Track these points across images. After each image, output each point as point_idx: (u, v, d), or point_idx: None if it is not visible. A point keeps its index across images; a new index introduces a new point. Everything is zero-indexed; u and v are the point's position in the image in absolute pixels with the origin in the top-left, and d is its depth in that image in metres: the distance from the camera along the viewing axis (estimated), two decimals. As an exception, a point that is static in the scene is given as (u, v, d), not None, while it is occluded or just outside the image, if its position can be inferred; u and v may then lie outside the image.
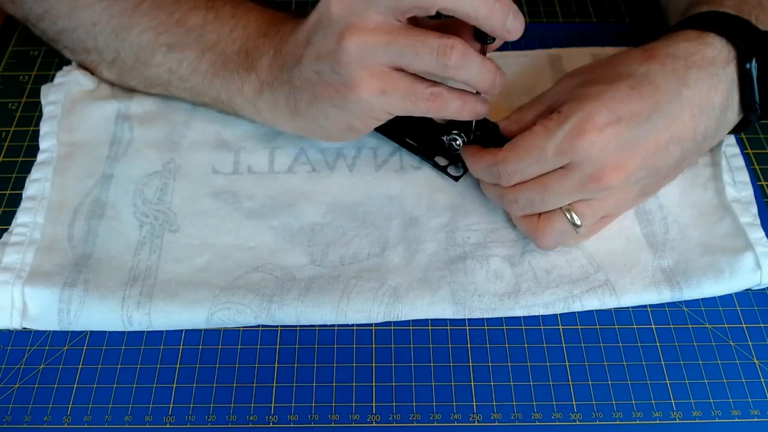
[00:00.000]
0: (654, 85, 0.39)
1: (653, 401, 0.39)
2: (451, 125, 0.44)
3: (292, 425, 0.38)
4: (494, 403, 0.39)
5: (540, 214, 0.41)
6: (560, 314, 0.42)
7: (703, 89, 0.40)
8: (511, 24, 0.36)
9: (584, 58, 0.51)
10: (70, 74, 0.51)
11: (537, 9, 0.60)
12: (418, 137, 0.49)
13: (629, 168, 0.39)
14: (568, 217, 0.40)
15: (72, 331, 0.41)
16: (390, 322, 0.42)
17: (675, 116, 0.39)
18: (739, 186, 0.46)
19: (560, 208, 0.40)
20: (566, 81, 0.42)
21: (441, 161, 0.48)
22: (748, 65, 0.40)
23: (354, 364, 0.40)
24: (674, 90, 0.39)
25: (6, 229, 0.44)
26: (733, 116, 0.42)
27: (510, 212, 0.44)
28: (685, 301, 0.43)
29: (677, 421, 0.38)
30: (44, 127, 0.48)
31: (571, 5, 0.61)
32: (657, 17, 0.56)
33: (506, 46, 0.56)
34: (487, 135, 0.44)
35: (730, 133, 0.45)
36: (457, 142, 0.44)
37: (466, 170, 0.47)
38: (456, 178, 0.47)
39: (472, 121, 0.43)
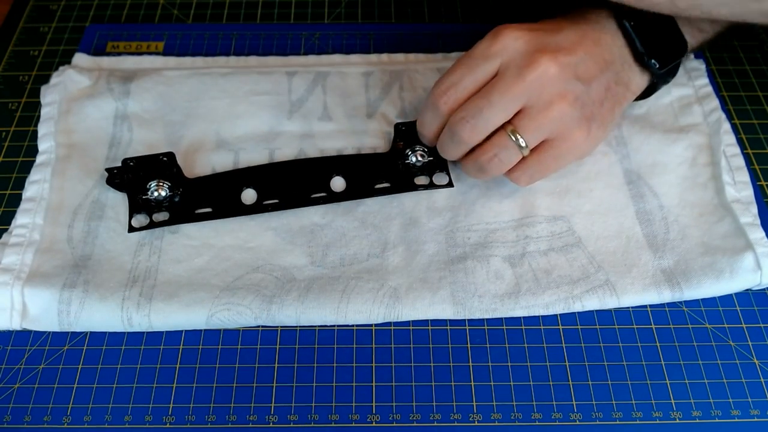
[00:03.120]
0: (556, 21, 0.43)
1: (653, 401, 0.39)
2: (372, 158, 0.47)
3: (292, 425, 0.38)
4: (494, 403, 0.39)
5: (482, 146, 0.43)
6: (560, 314, 0.42)
7: (592, 29, 0.43)
8: None
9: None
10: (65, 73, 0.51)
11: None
12: (365, 179, 0.47)
13: (560, 58, 0.40)
14: (512, 137, 0.41)
15: (72, 331, 0.41)
16: (390, 322, 0.42)
17: (582, 37, 0.42)
18: (739, 186, 0.46)
19: (503, 128, 0.41)
20: None
21: (422, 180, 0.47)
22: (625, 22, 0.43)
23: (354, 364, 0.40)
24: (567, 24, 0.43)
25: (6, 230, 0.44)
26: (636, 71, 0.45)
27: (458, 148, 0.43)
28: (685, 301, 0.43)
29: (677, 421, 0.38)
30: (42, 129, 0.48)
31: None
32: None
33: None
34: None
35: (646, 94, 0.47)
36: (421, 150, 0.46)
37: (445, 171, 0.47)
38: (450, 184, 0.47)
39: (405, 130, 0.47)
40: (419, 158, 0.46)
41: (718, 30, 0.47)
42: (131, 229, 0.44)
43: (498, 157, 0.42)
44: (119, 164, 0.45)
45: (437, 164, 0.47)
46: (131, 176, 0.44)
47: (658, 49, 0.44)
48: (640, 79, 0.45)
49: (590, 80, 0.42)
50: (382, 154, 0.48)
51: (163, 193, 0.44)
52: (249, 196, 0.46)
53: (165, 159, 0.44)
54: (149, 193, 0.44)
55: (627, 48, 0.44)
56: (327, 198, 0.46)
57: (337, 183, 0.46)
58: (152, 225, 0.44)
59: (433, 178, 0.47)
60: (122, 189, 0.45)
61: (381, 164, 0.47)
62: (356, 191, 0.46)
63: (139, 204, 0.44)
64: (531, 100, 0.40)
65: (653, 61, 0.44)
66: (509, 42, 0.41)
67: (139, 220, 0.44)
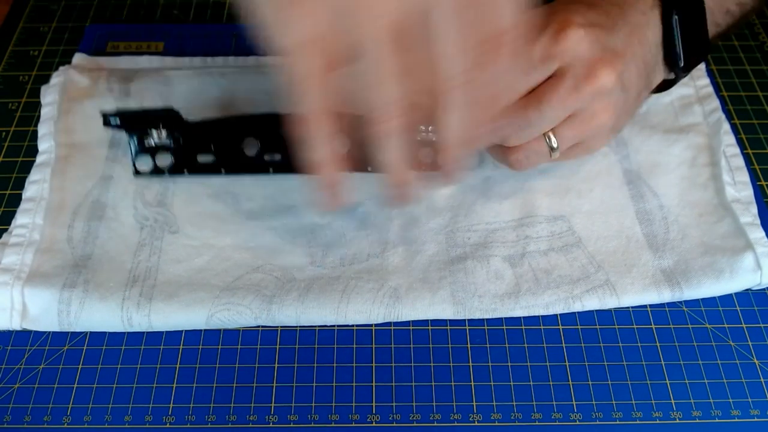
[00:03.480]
0: (603, 9, 0.41)
1: (653, 401, 0.39)
2: None
3: (292, 425, 0.38)
4: (494, 403, 0.39)
5: None
6: (560, 314, 0.42)
7: (639, 23, 0.41)
8: None
9: None
10: (65, 73, 0.51)
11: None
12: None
13: (618, 68, 0.39)
14: (548, 141, 0.40)
15: (72, 331, 0.41)
16: (390, 322, 0.42)
17: (631, 34, 0.41)
18: (739, 186, 0.46)
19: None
20: None
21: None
22: (673, 17, 0.42)
23: (354, 364, 0.40)
24: (619, 15, 0.41)
25: (6, 230, 0.44)
26: (660, 70, 0.44)
27: (504, 141, 0.41)
28: (685, 301, 0.43)
29: (677, 421, 0.38)
30: (42, 129, 0.48)
31: None
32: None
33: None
34: None
35: (655, 91, 0.46)
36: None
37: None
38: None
39: None
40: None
41: (730, 22, 0.47)
42: (136, 172, 0.44)
43: (528, 158, 0.41)
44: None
45: None
46: (132, 119, 0.44)
47: (689, 49, 0.43)
48: (659, 78, 0.45)
49: (630, 88, 0.41)
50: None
51: (165, 135, 0.44)
52: (251, 147, 0.44)
53: (166, 113, 0.44)
54: (151, 134, 0.44)
55: (661, 46, 0.43)
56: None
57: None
58: (157, 171, 0.44)
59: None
60: (122, 127, 0.44)
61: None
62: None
63: (141, 146, 0.44)
64: (578, 110, 0.40)
65: (681, 61, 0.43)
66: (572, 45, 0.38)
67: (144, 162, 0.44)
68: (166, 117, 0.44)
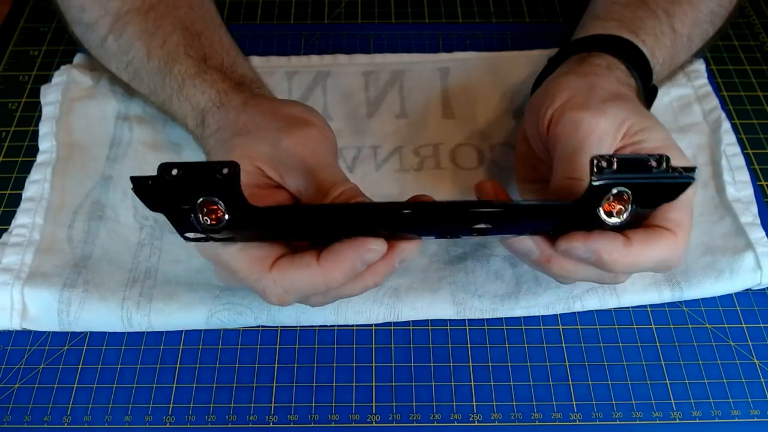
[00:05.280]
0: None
1: (653, 401, 0.39)
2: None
3: (292, 425, 0.38)
4: (494, 403, 0.39)
5: None
6: (560, 314, 0.42)
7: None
8: None
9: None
10: (67, 73, 0.51)
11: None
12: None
13: None
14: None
15: (72, 331, 0.41)
16: (390, 322, 0.42)
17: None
18: (739, 186, 0.46)
19: None
20: (564, 124, 0.37)
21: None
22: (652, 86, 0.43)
23: (354, 364, 0.40)
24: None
25: (6, 230, 0.44)
26: None
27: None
28: (685, 301, 0.43)
29: (677, 421, 0.38)
30: (43, 128, 0.48)
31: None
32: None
33: (503, 46, 0.56)
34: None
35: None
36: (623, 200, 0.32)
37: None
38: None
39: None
40: (621, 216, 0.32)
41: (711, 34, 0.48)
42: (186, 239, 0.32)
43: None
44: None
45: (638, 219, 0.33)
46: (170, 191, 0.29)
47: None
48: None
49: None
50: (563, 205, 0.32)
51: (215, 221, 0.30)
52: None
53: (225, 172, 0.29)
54: (192, 219, 0.30)
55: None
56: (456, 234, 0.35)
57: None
58: (211, 239, 0.32)
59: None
60: (156, 207, 0.30)
61: (559, 218, 0.32)
62: (505, 231, 0.34)
63: (184, 223, 0.31)
64: None
65: None
66: None
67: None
68: (223, 189, 0.29)
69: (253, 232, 0.32)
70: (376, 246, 0.31)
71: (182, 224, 0.31)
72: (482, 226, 0.31)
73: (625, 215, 0.31)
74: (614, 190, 0.30)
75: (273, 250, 0.33)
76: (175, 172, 0.29)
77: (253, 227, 0.31)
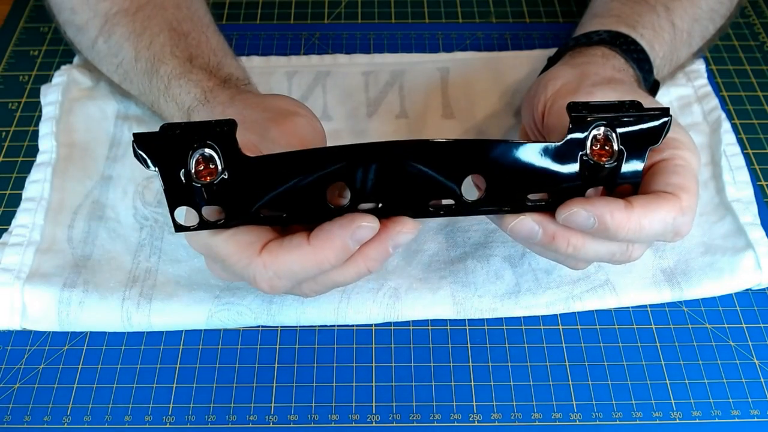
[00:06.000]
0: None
1: (653, 401, 0.39)
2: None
3: (292, 425, 0.38)
4: (494, 403, 0.39)
5: None
6: (560, 314, 0.42)
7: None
8: None
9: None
10: (67, 73, 0.51)
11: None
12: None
13: None
14: None
15: (72, 331, 0.41)
16: (390, 322, 0.42)
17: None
18: (739, 185, 0.46)
19: None
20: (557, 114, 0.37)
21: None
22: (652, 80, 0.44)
23: (354, 364, 0.40)
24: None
25: (6, 230, 0.44)
26: None
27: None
28: (685, 301, 0.43)
29: (677, 421, 0.38)
30: (43, 128, 0.48)
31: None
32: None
33: (503, 47, 0.56)
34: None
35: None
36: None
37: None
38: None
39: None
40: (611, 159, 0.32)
41: (712, 33, 0.48)
42: (178, 228, 0.32)
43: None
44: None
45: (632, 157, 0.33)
46: (168, 147, 0.31)
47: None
48: None
49: None
50: (549, 145, 0.31)
51: (212, 167, 0.31)
52: (342, 193, 0.34)
53: (224, 128, 0.31)
54: (190, 168, 0.31)
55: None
56: (454, 209, 0.32)
57: (470, 185, 0.33)
58: (204, 225, 0.32)
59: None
60: (153, 162, 0.31)
61: (542, 160, 0.32)
62: (499, 200, 0.32)
63: (178, 188, 0.31)
64: None
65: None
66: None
67: (184, 214, 0.32)
68: (217, 135, 0.30)
69: (246, 201, 0.32)
70: (366, 222, 0.30)
71: (177, 190, 0.31)
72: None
73: (615, 156, 0.32)
74: (595, 131, 0.31)
75: (262, 234, 0.32)
76: (177, 131, 0.31)
77: (248, 182, 0.31)
